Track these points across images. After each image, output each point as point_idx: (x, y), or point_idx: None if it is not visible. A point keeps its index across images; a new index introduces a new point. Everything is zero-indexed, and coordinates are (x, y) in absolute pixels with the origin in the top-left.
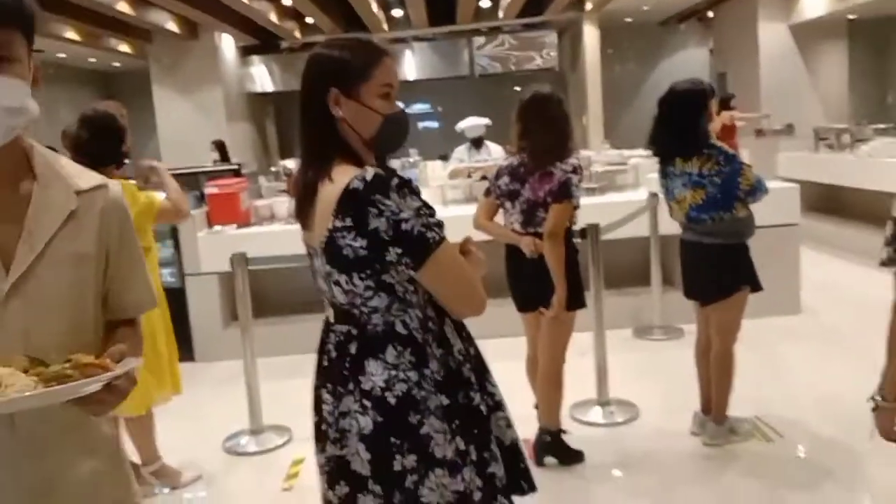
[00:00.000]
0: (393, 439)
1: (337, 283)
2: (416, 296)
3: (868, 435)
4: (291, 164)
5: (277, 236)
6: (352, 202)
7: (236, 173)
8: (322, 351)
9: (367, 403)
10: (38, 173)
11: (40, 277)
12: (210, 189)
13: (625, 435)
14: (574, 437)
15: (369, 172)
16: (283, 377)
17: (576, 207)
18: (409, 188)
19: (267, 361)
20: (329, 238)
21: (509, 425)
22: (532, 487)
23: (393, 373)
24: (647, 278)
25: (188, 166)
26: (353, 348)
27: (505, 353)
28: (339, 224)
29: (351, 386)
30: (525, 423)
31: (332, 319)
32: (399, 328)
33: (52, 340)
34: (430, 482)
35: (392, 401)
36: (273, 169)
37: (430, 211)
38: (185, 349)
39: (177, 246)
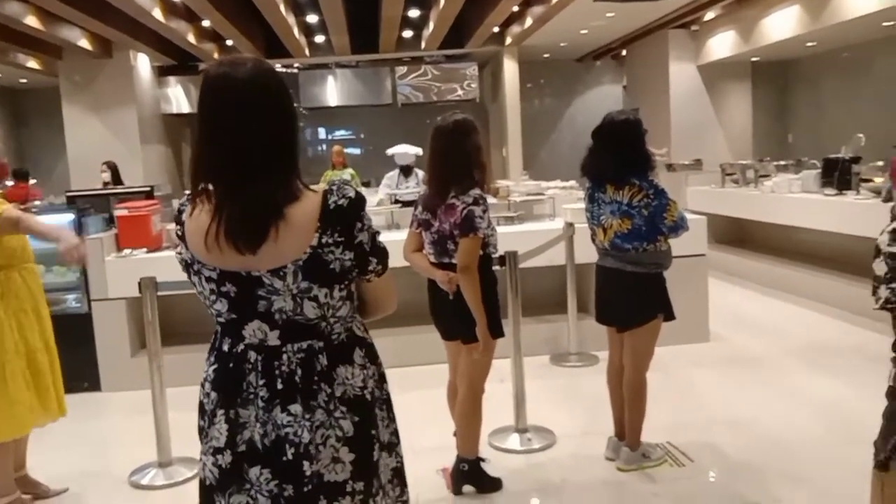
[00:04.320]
0: (372, 432)
1: (313, 298)
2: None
3: None
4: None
5: None
6: (339, 217)
7: (148, 195)
8: (255, 377)
9: (344, 408)
10: None
11: None
12: (120, 211)
13: (542, 461)
14: (492, 464)
15: (349, 190)
16: (193, 408)
17: (487, 237)
18: None
19: (177, 391)
20: (313, 254)
21: None
22: None
23: (366, 372)
24: (563, 306)
25: (97, 188)
26: (322, 361)
27: (427, 381)
28: (327, 239)
29: (322, 397)
30: (444, 452)
31: (274, 342)
32: (357, 332)
33: None
34: (380, 467)
35: (368, 398)
36: (187, 192)
37: None
38: (91, 378)
39: (83, 270)
